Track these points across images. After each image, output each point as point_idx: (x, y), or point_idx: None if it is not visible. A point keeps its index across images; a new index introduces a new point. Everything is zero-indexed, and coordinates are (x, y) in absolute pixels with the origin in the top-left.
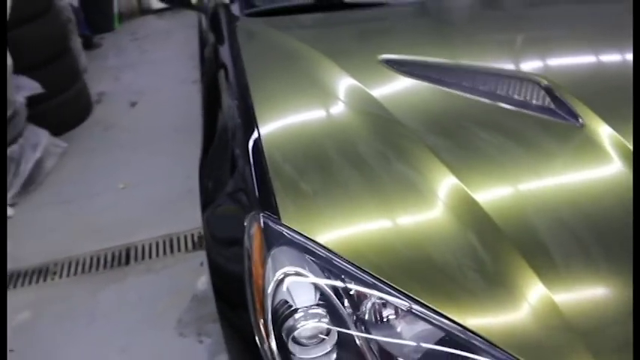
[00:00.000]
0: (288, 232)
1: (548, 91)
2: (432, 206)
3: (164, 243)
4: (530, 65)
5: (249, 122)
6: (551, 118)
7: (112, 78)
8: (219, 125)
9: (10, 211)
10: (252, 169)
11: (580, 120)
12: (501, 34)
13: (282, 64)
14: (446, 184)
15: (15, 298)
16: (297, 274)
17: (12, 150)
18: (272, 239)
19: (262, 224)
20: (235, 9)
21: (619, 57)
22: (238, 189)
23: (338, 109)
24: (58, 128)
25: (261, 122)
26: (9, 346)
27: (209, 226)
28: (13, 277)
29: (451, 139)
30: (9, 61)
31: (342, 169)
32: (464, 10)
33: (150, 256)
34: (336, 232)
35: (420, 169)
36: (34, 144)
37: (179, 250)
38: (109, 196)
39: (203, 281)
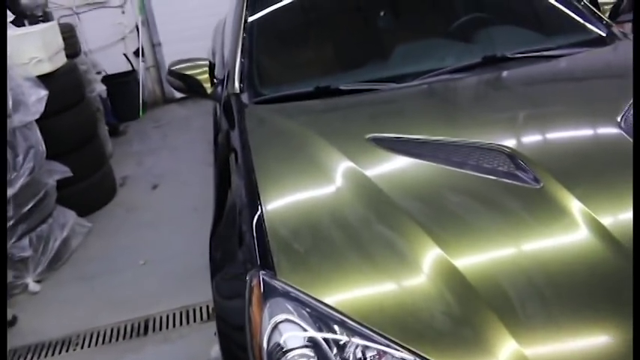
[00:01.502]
0: (283, 285)
1: (512, 157)
2: (410, 264)
3: (180, 314)
4: (497, 137)
5: (254, 199)
6: (514, 182)
7: (135, 162)
8: (229, 202)
9: (36, 287)
10: (255, 237)
11: (539, 182)
12: (474, 112)
13: (283, 146)
14: (423, 245)
15: None
16: (289, 321)
17: (41, 229)
18: (268, 292)
19: (261, 279)
20: (245, 97)
21: (584, 130)
22: (244, 257)
23: (331, 183)
24: (84, 209)
25: (263, 198)
26: None
27: (217, 290)
28: (37, 349)
29: (428, 205)
30: (42, 147)
31: (331, 232)
32: (439, 91)
33: (167, 327)
34: (324, 285)
35: (401, 231)
36: (62, 224)
37: (194, 320)
38: (130, 272)
39: (216, 349)
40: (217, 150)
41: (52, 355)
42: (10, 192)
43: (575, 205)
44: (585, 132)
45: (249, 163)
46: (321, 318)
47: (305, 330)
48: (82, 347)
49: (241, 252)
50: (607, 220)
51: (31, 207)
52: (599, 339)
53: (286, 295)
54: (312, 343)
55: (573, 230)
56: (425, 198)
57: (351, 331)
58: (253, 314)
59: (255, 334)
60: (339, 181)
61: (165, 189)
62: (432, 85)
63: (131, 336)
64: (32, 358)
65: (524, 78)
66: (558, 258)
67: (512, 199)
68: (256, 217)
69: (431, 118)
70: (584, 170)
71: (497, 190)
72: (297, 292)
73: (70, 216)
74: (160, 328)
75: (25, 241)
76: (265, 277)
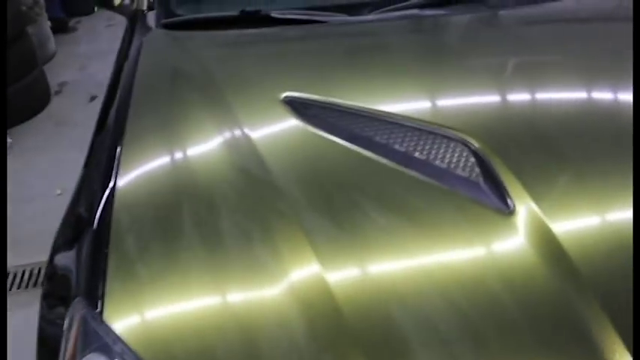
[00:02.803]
0: (105, 334)
1: (478, 157)
2: (277, 301)
3: None
4: (463, 118)
5: (110, 166)
6: (472, 197)
7: (78, 66)
8: (91, 169)
9: None
10: (93, 234)
11: (510, 203)
12: (439, 75)
13: (170, 93)
14: (305, 273)
15: None
16: None
17: None
18: (88, 339)
19: (81, 319)
20: (151, 18)
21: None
22: (76, 264)
23: (210, 161)
24: (10, 120)
25: (122, 168)
26: None
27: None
28: None
29: (333, 216)
30: None
31: (191, 247)
32: (400, 35)
33: None
34: (158, 336)
35: (282, 252)
36: None
37: None
38: (43, 203)
39: None
40: (108, 87)
41: None
42: None
43: (552, 246)
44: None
45: (123, 112)
46: None
47: None
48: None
49: (76, 254)
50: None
51: None
52: None
53: (107, 351)
54: None
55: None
56: (335, 207)
57: None
58: None
59: None
60: (223, 159)
61: None
62: (392, 22)
63: (27, 285)
64: None
65: (515, 25)
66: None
67: (463, 223)
68: (104, 196)
69: (379, 78)
70: (577, 192)
71: (443, 205)
72: (124, 349)
73: None
74: None
75: None
76: (88, 318)
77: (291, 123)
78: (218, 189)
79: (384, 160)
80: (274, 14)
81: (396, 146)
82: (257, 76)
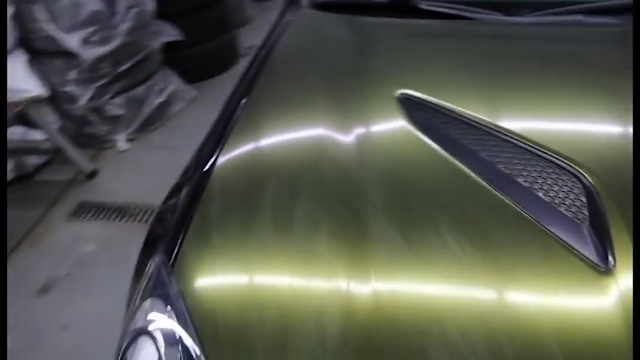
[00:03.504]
0: (170, 285)
1: (589, 197)
2: (322, 298)
3: None
4: (586, 149)
5: (222, 134)
6: (568, 242)
7: None
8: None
9: (124, 145)
10: (188, 195)
11: (610, 261)
12: (582, 95)
13: (296, 71)
14: (357, 279)
15: (89, 229)
16: (146, 333)
17: (138, 91)
18: (155, 286)
19: (156, 267)
20: None
21: None
22: (174, 208)
23: (308, 147)
24: (195, 76)
25: (231, 139)
26: (68, 272)
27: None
28: (99, 210)
29: (405, 228)
30: (149, 7)
31: (263, 227)
32: (559, 43)
33: None
34: (210, 301)
35: (342, 252)
36: (161, 88)
37: None
38: None
39: None
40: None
41: (106, 219)
42: (105, 49)
43: None
44: None
45: (251, 84)
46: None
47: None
48: (133, 220)
49: (173, 206)
50: None
51: (129, 67)
52: None
53: (166, 299)
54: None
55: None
56: (404, 202)
57: None
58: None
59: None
60: (322, 140)
61: None
62: (549, 28)
63: None
64: (91, 216)
65: None
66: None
67: (545, 265)
68: (208, 162)
69: (510, 89)
70: None
71: (525, 242)
72: (180, 302)
73: (172, 81)
74: None
75: (119, 99)
76: (161, 268)
77: (398, 123)
78: (305, 176)
79: (480, 180)
80: (423, 5)
81: (500, 166)
82: (382, 68)
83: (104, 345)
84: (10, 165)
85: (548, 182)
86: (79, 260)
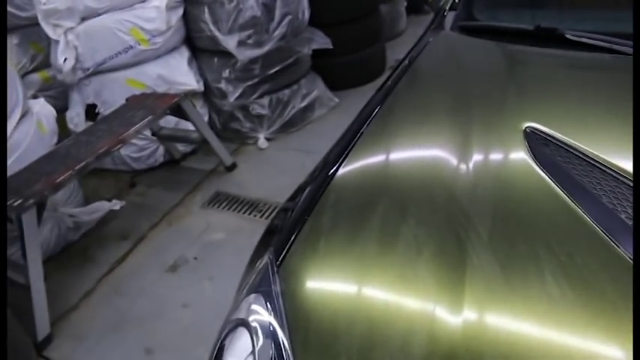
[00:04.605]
0: (274, 284)
1: None
2: (409, 323)
3: None
4: None
5: (348, 144)
6: None
7: None
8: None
9: (264, 144)
10: (307, 199)
11: None
12: None
13: (428, 93)
14: (446, 309)
15: (221, 218)
16: (244, 324)
17: (283, 93)
18: (261, 282)
19: (264, 264)
20: (449, 18)
21: None
22: (293, 209)
23: (425, 169)
24: (341, 84)
25: (354, 150)
26: (195, 254)
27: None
28: (231, 201)
29: (506, 265)
30: (303, 15)
31: (368, 242)
32: None
33: None
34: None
35: (438, 279)
36: (306, 93)
37: None
38: None
39: None
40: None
41: (239, 212)
42: (259, 52)
43: None
44: None
45: (383, 99)
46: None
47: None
48: (261, 216)
49: (293, 206)
50: None
51: (277, 70)
52: None
53: (268, 296)
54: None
55: None
56: (509, 237)
57: None
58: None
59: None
60: (439, 166)
61: None
62: None
63: None
64: (225, 206)
65: None
66: None
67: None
68: (331, 170)
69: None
70: None
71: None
72: (279, 302)
73: (317, 87)
74: None
75: (265, 100)
76: (269, 265)
77: (519, 156)
78: (416, 198)
79: (597, 228)
80: (569, 35)
81: (622, 216)
82: (514, 98)
83: (218, 326)
84: (162, 150)
85: None
86: (208, 245)
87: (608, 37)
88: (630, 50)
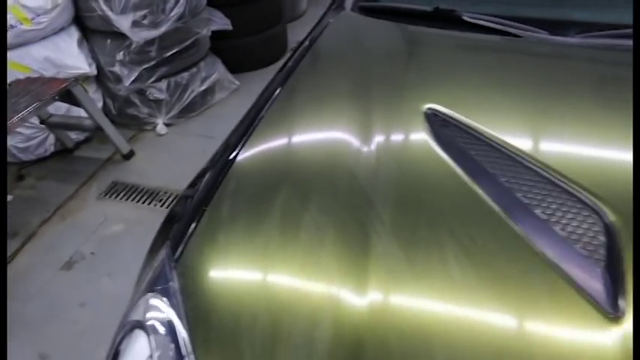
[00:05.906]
0: (172, 281)
1: (609, 237)
2: (313, 307)
3: None
4: (612, 185)
5: (246, 131)
6: (577, 281)
7: None
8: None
9: (163, 130)
10: (205, 189)
11: (621, 307)
12: (619, 128)
13: (327, 74)
14: (351, 292)
15: (119, 209)
16: (141, 326)
17: (182, 77)
18: (158, 280)
19: (161, 260)
20: (350, 1)
21: None
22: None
23: (326, 154)
24: (240, 66)
25: (253, 136)
26: (92, 250)
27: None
28: (130, 190)
29: (408, 248)
30: None
31: (270, 230)
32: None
33: None
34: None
35: (342, 263)
36: (205, 77)
37: None
38: None
39: None
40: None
41: (138, 202)
42: (154, 33)
43: None
44: None
45: (282, 81)
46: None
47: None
48: (162, 205)
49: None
50: None
51: (175, 52)
52: None
53: (166, 295)
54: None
55: None
56: (412, 221)
57: None
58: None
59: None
60: (341, 149)
61: None
62: (599, 52)
63: None
64: (122, 196)
65: None
66: None
67: (547, 301)
68: (229, 157)
69: (543, 114)
70: None
71: (530, 276)
72: (179, 299)
73: (217, 70)
74: None
75: (163, 84)
76: (165, 262)
77: (420, 137)
78: (318, 184)
79: (496, 207)
80: (467, 17)
81: (518, 195)
82: (414, 79)
83: (117, 326)
84: (52, 139)
85: (568, 217)
86: (106, 239)
87: (503, 20)
88: (523, 33)
